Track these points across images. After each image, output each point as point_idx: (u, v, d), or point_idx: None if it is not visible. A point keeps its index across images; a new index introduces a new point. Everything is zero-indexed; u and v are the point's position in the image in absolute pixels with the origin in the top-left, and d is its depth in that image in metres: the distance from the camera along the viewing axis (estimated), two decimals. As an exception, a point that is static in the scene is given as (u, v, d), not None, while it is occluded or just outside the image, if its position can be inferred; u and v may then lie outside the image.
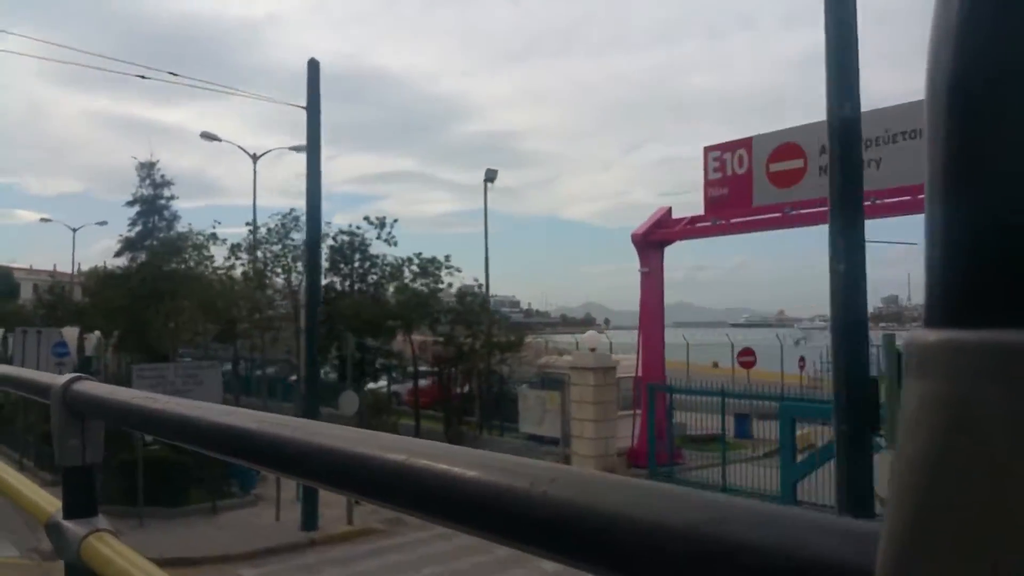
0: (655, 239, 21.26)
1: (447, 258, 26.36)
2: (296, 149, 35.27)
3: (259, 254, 30.53)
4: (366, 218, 28.03)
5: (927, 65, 0.37)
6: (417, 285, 26.26)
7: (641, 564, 0.50)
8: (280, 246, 30.01)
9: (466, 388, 24.63)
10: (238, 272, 31.21)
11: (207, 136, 34.30)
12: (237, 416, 0.99)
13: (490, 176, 26.38)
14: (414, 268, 26.76)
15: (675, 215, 21.51)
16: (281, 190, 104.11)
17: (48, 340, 25.41)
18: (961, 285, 0.36)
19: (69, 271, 53.10)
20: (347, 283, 27.86)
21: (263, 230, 30.85)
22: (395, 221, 27.92)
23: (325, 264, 27.97)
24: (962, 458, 0.37)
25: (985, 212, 0.35)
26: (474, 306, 25.05)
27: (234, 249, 31.41)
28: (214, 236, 34.85)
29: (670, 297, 23.44)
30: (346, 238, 28.01)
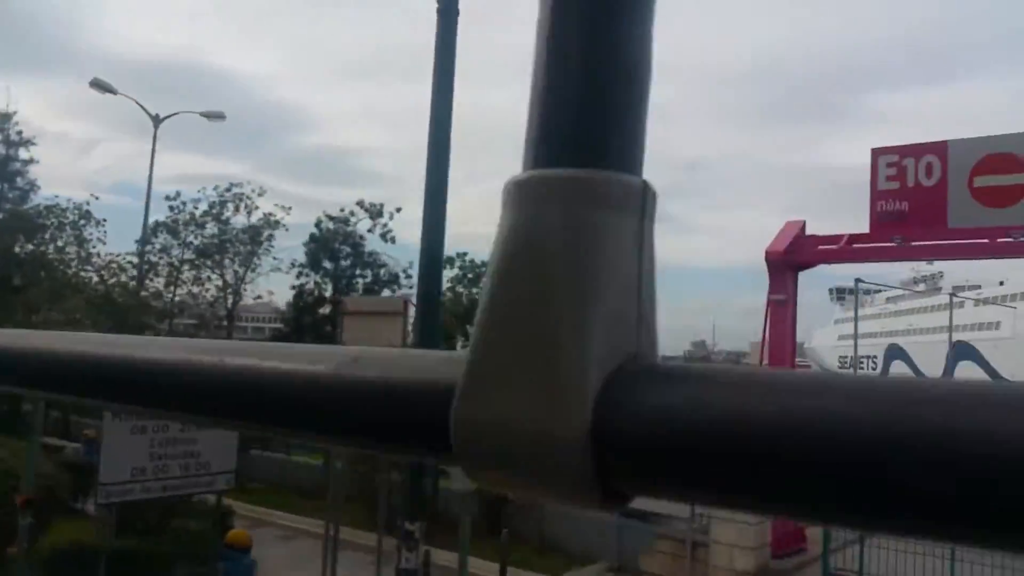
0: (798, 261, 16.69)
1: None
2: (208, 115, 27.66)
3: (185, 238, 22.90)
4: (359, 203, 21.27)
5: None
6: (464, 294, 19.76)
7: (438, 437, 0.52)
8: (216, 228, 22.75)
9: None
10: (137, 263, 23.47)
11: (99, 85, 25.85)
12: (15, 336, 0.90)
13: None
14: (455, 271, 20.13)
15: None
16: (90, 183, 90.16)
17: None
18: (542, 137, 0.49)
19: None
20: (329, 284, 21.21)
21: (190, 207, 23.20)
22: (398, 210, 21.39)
23: (303, 260, 21.29)
24: (527, 271, 0.48)
25: (560, 90, 0.49)
26: None
27: (157, 230, 23.37)
28: (88, 214, 26.46)
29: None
30: (331, 226, 21.25)
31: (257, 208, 23.09)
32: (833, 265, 17.50)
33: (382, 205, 21.09)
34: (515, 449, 0.46)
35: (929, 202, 15.64)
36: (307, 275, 21.23)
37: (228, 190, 23.20)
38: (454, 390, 0.48)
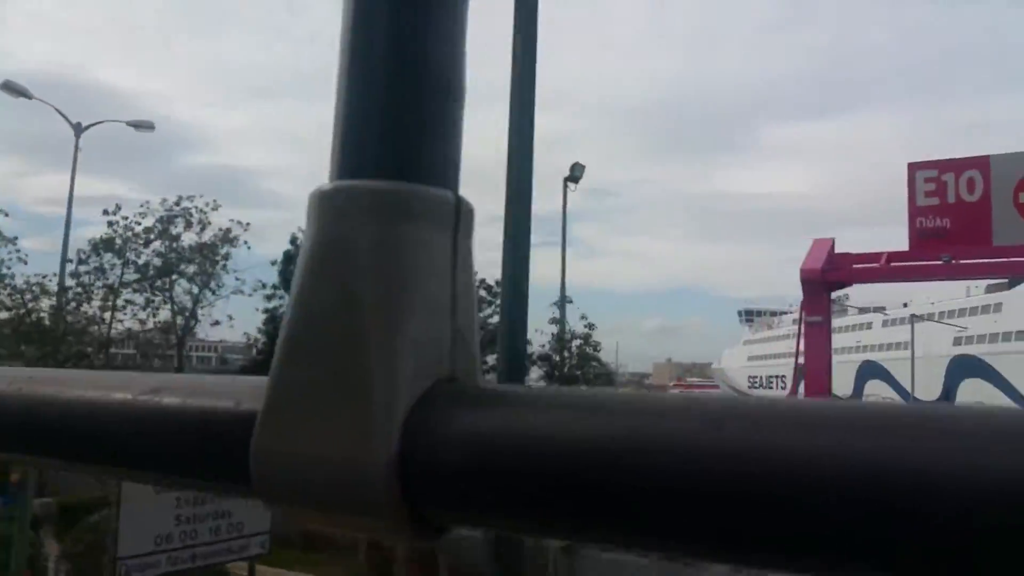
0: (834, 280, 15.85)
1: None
2: (135, 125, 24.99)
3: (130, 257, 20.04)
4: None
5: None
6: None
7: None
8: (163, 244, 20.07)
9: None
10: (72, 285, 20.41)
11: (11, 89, 22.73)
12: None
13: (574, 175, 18.68)
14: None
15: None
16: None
17: None
18: (349, 147, 0.48)
19: None
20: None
21: (131, 222, 20.40)
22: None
23: (265, 280, 18.91)
24: (332, 288, 0.45)
25: (366, 98, 0.48)
26: (586, 354, 17.33)
27: (99, 247, 20.42)
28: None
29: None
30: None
31: (210, 223, 20.70)
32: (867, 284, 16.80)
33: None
34: (318, 480, 0.43)
35: (972, 219, 15.08)
36: (281, 297, 18.98)
37: (177, 203, 20.67)
38: (255, 419, 0.45)
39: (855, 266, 16.18)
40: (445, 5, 0.49)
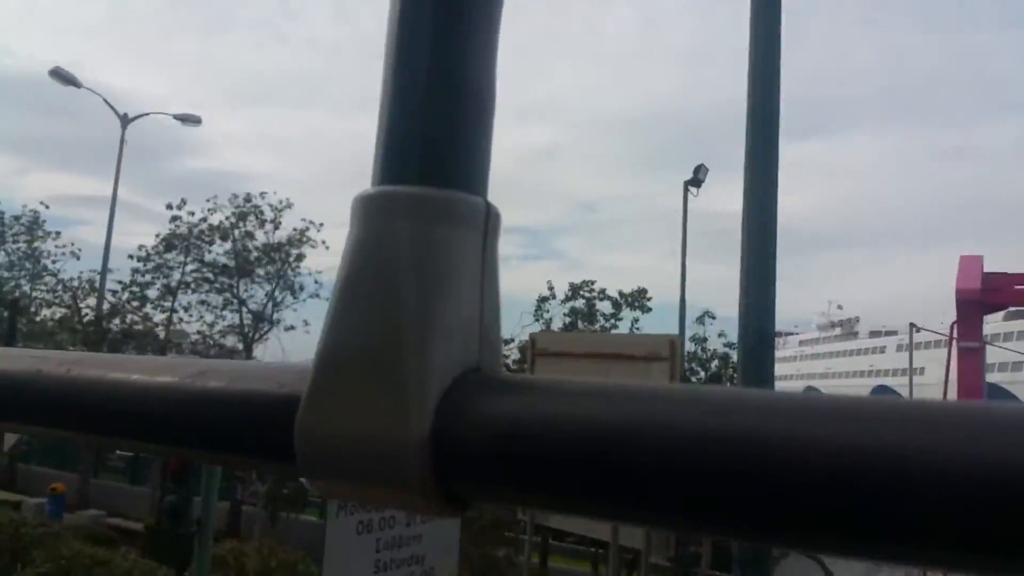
0: (996, 301, 14.64)
1: (642, 293, 17.12)
2: (181, 118, 23.72)
3: (202, 255, 18.39)
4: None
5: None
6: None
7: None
8: (232, 244, 18.43)
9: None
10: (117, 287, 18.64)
11: (59, 76, 21.30)
12: None
13: (698, 178, 17.33)
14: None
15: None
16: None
17: None
18: (391, 155, 0.51)
19: None
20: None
21: (195, 219, 18.70)
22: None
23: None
24: (373, 284, 0.49)
25: (407, 110, 0.51)
26: (720, 375, 15.98)
27: (168, 243, 18.70)
28: (39, 224, 21.64)
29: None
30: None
31: (281, 224, 19.14)
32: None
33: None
34: (357, 457, 0.47)
35: None
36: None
37: (247, 201, 19.09)
38: (299, 401, 0.49)
39: (1015, 287, 14.98)
40: (481, 25, 0.52)
